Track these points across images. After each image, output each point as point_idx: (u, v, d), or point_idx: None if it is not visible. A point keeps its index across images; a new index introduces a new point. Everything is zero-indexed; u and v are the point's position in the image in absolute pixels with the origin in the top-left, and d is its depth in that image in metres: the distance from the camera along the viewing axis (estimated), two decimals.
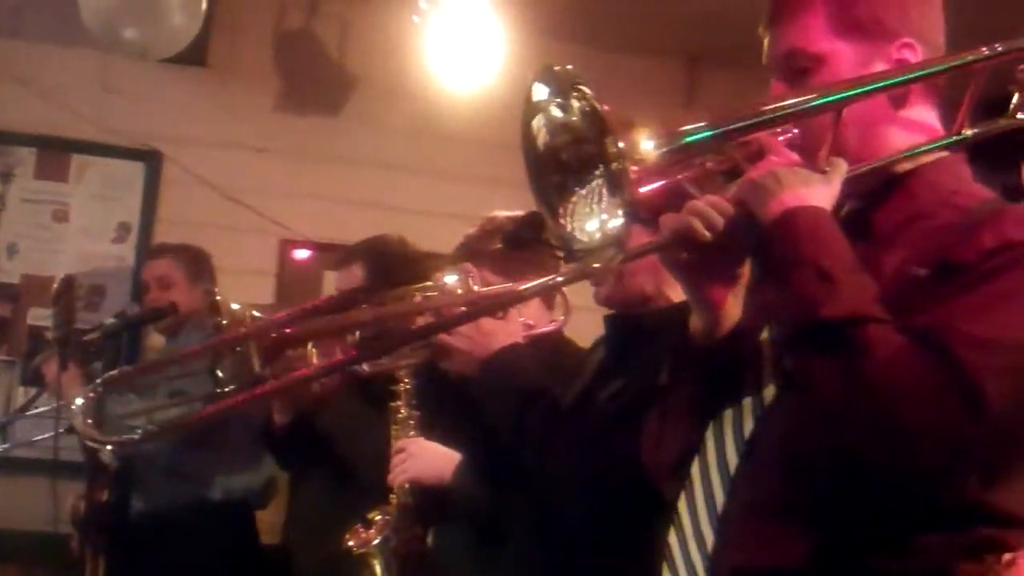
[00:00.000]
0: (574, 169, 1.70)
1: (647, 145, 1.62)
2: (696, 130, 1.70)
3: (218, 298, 3.14)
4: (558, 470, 2.67)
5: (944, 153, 1.88)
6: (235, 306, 3.15)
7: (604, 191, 1.65)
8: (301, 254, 6.35)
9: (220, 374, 3.04)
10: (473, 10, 5.57)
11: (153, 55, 5.30)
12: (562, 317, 3.23)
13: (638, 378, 2.53)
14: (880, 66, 1.84)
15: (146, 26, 4.88)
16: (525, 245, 1.74)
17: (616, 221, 1.62)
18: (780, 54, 1.89)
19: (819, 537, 1.66)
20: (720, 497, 1.78)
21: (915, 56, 1.85)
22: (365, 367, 3.13)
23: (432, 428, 3.37)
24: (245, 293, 5.20)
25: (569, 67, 1.69)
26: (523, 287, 2.50)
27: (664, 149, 1.64)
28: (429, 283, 3.08)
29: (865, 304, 1.58)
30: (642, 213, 1.69)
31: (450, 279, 3.00)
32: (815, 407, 1.61)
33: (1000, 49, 1.89)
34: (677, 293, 2.72)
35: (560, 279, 2.26)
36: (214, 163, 6.14)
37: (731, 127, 1.74)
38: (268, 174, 6.23)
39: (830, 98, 1.78)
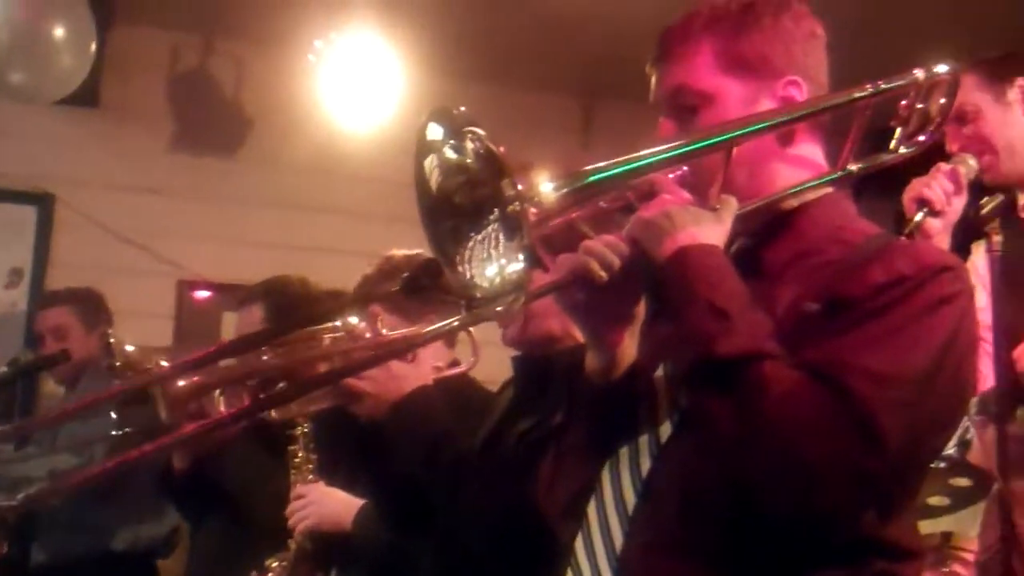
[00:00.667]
0: (469, 213, 1.67)
1: (546, 187, 1.60)
2: (594, 171, 1.68)
3: (112, 340, 3.09)
4: (467, 511, 2.67)
5: (829, 189, 1.91)
6: (130, 348, 3.10)
7: (501, 235, 1.63)
8: (200, 295, 6.28)
9: (121, 422, 2.99)
10: (369, 49, 5.57)
11: (42, 98, 5.22)
12: (472, 359, 3.23)
13: (547, 417, 2.55)
14: (767, 103, 1.86)
15: (34, 69, 4.82)
16: (423, 292, 1.73)
17: (516, 265, 1.60)
18: (667, 91, 1.89)
19: (716, 575, 1.66)
20: (618, 537, 1.76)
21: (800, 93, 1.87)
22: (273, 413, 3.10)
23: (332, 472, 3.34)
24: (143, 335, 5.11)
25: (463, 108, 1.66)
26: (426, 330, 2.49)
27: (563, 191, 1.62)
28: (331, 324, 3.06)
29: (760, 341, 1.59)
30: (541, 255, 1.69)
31: (353, 320, 2.99)
32: (712, 444, 1.60)
33: (883, 86, 1.94)
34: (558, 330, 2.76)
35: (459, 323, 2.25)
36: (108, 205, 6.06)
37: (627, 168, 1.73)
38: (164, 215, 6.16)
39: (723, 137, 1.79)
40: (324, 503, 3.24)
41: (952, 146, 3.07)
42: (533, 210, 1.56)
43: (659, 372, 1.85)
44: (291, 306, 3.88)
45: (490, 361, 3.12)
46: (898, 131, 2.02)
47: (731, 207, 1.76)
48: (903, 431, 1.53)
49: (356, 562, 3.21)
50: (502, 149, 1.58)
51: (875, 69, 1.98)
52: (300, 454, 3.35)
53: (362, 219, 6.40)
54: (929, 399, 1.59)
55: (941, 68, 2.04)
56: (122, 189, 6.10)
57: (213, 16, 6.08)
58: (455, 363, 3.23)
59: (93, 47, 4.99)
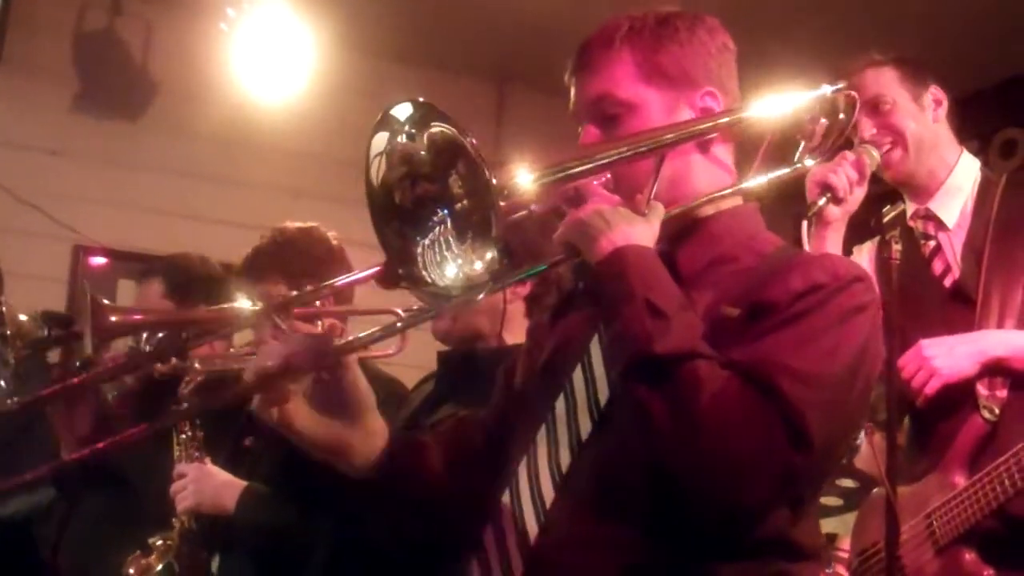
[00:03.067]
0: (409, 213, 1.68)
1: (524, 179, 1.64)
2: (565, 166, 1.74)
3: (3, 308, 3.02)
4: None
5: (740, 200, 1.98)
6: (23, 317, 3.05)
7: (452, 234, 1.65)
8: (96, 261, 6.17)
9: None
10: (282, 20, 5.52)
11: None
12: (398, 343, 3.21)
13: (467, 406, 2.56)
14: (687, 112, 1.93)
15: None
16: (398, 283, 1.71)
17: (481, 260, 1.61)
18: (589, 100, 1.94)
19: (626, 566, 1.69)
20: (533, 530, 1.79)
21: (717, 104, 1.95)
22: (197, 364, 3.07)
23: (218, 449, 3.30)
24: (35, 300, 5.00)
25: (425, 100, 1.66)
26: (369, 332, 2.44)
27: (540, 182, 1.66)
28: (230, 304, 3.03)
29: (695, 341, 1.65)
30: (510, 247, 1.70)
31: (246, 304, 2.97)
32: (647, 438, 1.63)
33: (795, 99, 2.06)
34: (512, 335, 2.77)
35: (403, 323, 2.22)
36: (5, 164, 5.90)
37: (594, 164, 1.79)
38: (63, 177, 6.03)
39: (662, 140, 1.85)
40: (205, 483, 3.19)
41: (863, 134, 3.11)
42: (503, 203, 1.58)
43: (577, 371, 1.88)
44: (191, 285, 3.84)
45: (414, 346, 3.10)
46: (802, 144, 2.10)
47: (659, 212, 1.82)
48: (826, 430, 1.60)
49: (238, 545, 3.18)
50: (474, 141, 1.58)
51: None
52: (186, 431, 3.31)
53: (266, 192, 6.35)
54: (847, 400, 1.67)
55: (843, 85, 2.16)
56: (21, 148, 5.96)
57: None
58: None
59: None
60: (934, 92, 3.22)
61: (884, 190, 3.20)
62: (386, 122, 1.67)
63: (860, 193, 2.90)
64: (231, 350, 3.34)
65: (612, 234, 1.73)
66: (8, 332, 3.00)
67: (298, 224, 3.30)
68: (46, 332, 3.28)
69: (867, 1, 5.67)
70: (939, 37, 5.59)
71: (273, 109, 5.92)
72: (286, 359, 1.74)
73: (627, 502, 1.70)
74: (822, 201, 2.80)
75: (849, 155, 2.91)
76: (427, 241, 1.67)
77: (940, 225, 3.20)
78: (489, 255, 1.60)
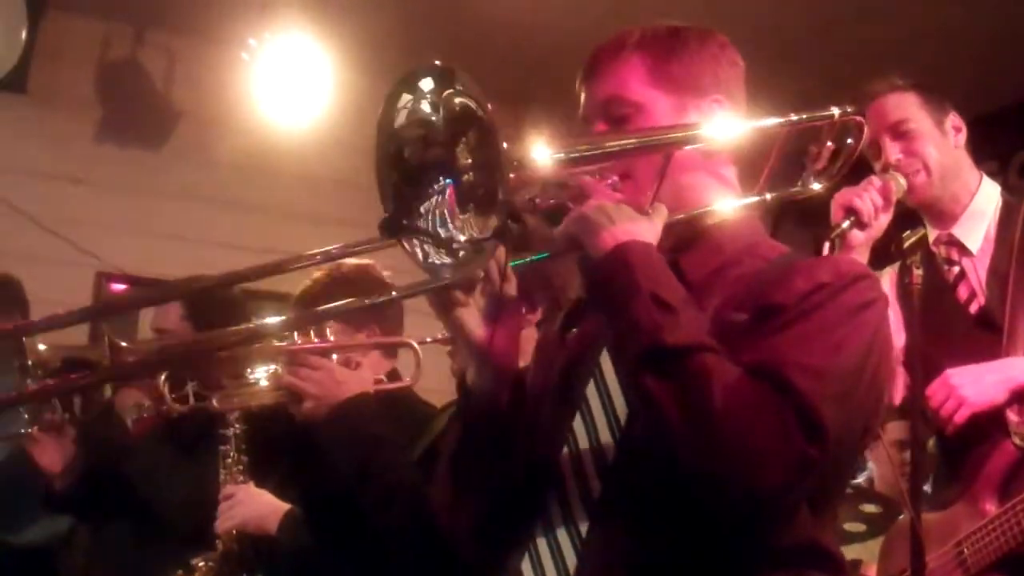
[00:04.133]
0: (412, 174, 1.72)
1: (540, 153, 1.66)
2: (576, 147, 1.77)
3: (24, 339, 3.05)
4: (399, 520, 2.68)
5: (739, 211, 1.98)
6: (42, 347, 3.07)
7: (450, 206, 1.68)
8: (117, 288, 6.21)
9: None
10: (302, 49, 5.57)
11: None
12: (415, 372, 3.23)
13: None
14: (694, 116, 1.94)
15: None
16: (402, 233, 1.73)
17: (478, 231, 1.64)
18: (599, 102, 1.96)
19: None
20: (571, 560, 1.79)
21: (724, 111, 1.96)
22: (216, 403, 3.11)
23: (265, 476, 3.33)
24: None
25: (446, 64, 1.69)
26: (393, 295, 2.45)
27: (557, 158, 1.69)
28: (249, 325, 3.05)
29: (702, 334, 1.66)
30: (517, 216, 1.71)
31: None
32: (659, 431, 1.63)
33: (804, 117, 2.05)
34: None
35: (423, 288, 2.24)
36: (31, 192, 5.96)
37: (607, 149, 1.83)
38: (86, 205, 6.08)
39: (670, 137, 1.87)
40: (250, 504, 3.23)
41: (889, 159, 3.11)
42: (512, 175, 1.59)
43: (591, 387, 1.88)
44: (212, 305, 3.85)
45: (434, 375, 3.13)
46: (808, 167, 2.11)
47: (663, 214, 1.83)
48: (839, 422, 1.60)
49: (280, 567, 3.20)
50: (490, 107, 1.62)
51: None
52: (232, 455, 3.34)
53: (287, 218, 6.38)
54: (857, 394, 1.67)
55: (852, 109, 2.14)
56: (46, 177, 6.02)
57: (146, 7, 6.05)
58: (395, 373, 3.25)
59: (24, 34, 4.91)
60: (953, 119, 3.21)
61: (904, 213, 3.18)
62: (410, 84, 1.71)
63: (885, 220, 2.87)
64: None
65: (615, 229, 1.73)
66: (29, 362, 3.02)
67: (354, 261, 3.33)
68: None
69: (884, 25, 5.68)
70: (956, 58, 5.62)
71: (294, 136, 5.96)
72: None
73: (662, 522, 1.70)
74: (846, 224, 2.78)
75: (876, 180, 2.90)
76: (424, 207, 1.70)
77: (964, 250, 3.19)
78: (492, 222, 1.61)
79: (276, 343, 2.99)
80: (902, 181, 3.00)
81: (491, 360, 1.92)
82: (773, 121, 2.00)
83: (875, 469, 4.73)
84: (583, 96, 2.00)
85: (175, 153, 6.31)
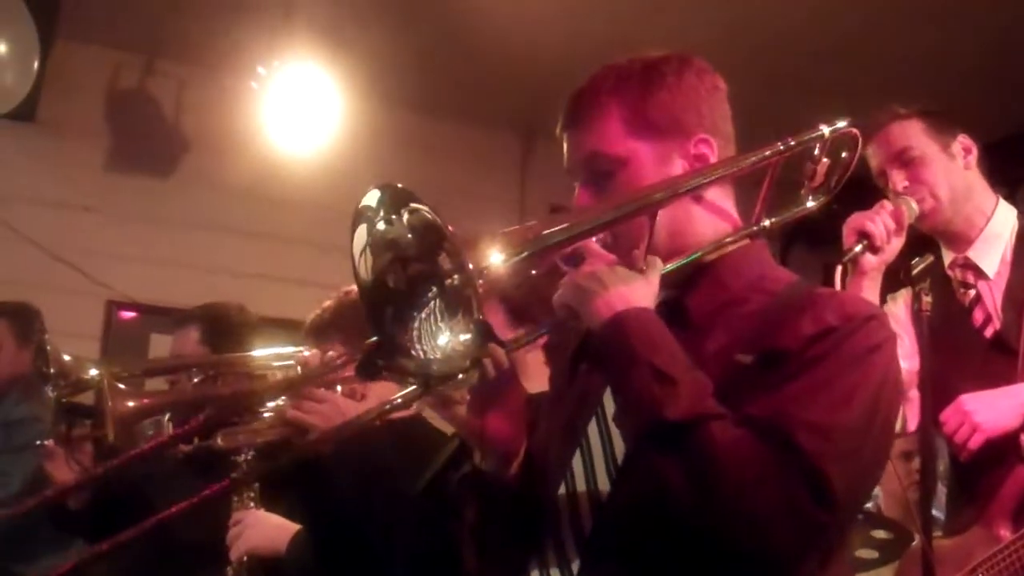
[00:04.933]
0: (405, 294, 1.67)
1: (496, 258, 1.60)
2: (537, 240, 1.69)
3: (48, 346, 3.05)
4: (403, 549, 2.68)
5: (746, 241, 1.94)
6: (66, 357, 3.08)
7: (444, 308, 1.64)
8: (126, 315, 6.22)
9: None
10: (310, 77, 5.59)
11: None
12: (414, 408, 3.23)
13: None
14: (679, 161, 1.88)
15: None
16: (379, 374, 1.72)
17: (466, 335, 1.61)
18: (581, 158, 1.91)
19: None
20: None
21: (711, 149, 1.90)
22: (220, 441, 3.10)
23: (273, 503, 3.33)
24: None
25: (401, 185, 1.64)
26: (387, 405, 2.45)
27: (511, 262, 1.62)
28: (274, 351, 3.06)
29: (704, 402, 1.61)
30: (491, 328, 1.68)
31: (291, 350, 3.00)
32: (666, 504, 1.60)
33: (791, 143, 2.01)
34: (532, 384, 2.78)
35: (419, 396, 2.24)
36: (40, 221, 5.99)
37: (567, 236, 1.74)
38: (97, 234, 6.11)
39: (651, 201, 1.81)
40: (259, 527, 3.23)
41: (896, 187, 3.09)
42: (480, 282, 1.56)
43: (592, 426, 1.87)
44: (228, 332, 3.86)
45: None
46: (805, 185, 2.08)
47: (657, 268, 1.78)
48: (848, 480, 1.56)
49: None
50: (450, 228, 1.56)
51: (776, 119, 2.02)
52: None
53: (296, 245, 6.41)
54: (867, 446, 1.63)
55: (844, 124, 2.09)
56: (55, 206, 6.05)
57: (155, 37, 6.07)
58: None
59: (36, 64, 4.94)
60: (962, 140, 3.19)
61: (919, 238, 3.16)
62: (361, 215, 1.66)
63: (897, 243, 2.85)
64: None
65: (610, 297, 1.68)
66: (52, 370, 3.03)
67: None
68: (64, 427, 3.31)
69: (891, 49, 5.70)
70: (965, 83, 5.62)
71: (303, 164, 5.98)
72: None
73: (652, 563, 1.67)
74: (859, 248, 2.77)
75: (887, 204, 2.89)
76: (422, 316, 1.66)
77: (980, 274, 3.16)
78: (473, 333, 1.58)
79: (280, 375, 3.00)
80: (914, 205, 2.98)
81: (490, 445, 1.88)
82: (764, 153, 1.96)
83: (881, 492, 4.70)
84: (565, 145, 1.94)
85: (184, 181, 6.34)
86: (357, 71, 5.75)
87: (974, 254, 3.17)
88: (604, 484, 1.80)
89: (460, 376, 1.65)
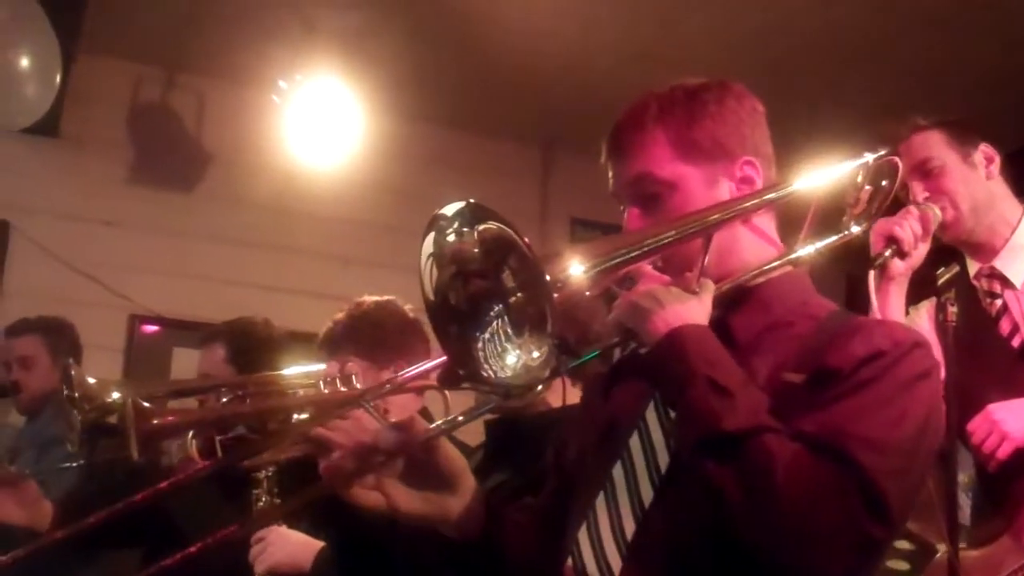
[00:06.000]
0: (467, 313, 1.67)
1: (576, 270, 1.61)
2: (614, 255, 1.71)
3: (73, 371, 3.06)
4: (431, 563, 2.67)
5: (788, 268, 1.98)
6: (91, 380, 3.08)
7: (509, 327, 1.65)
8: (149, 329, 6.24)
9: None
10: (331, 90, 5.61)
11: (4, 127, 5.18)
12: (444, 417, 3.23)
13: (517, 473, 2.56)
14: (726, 184, 1.93)
15: None
16: (459, 384, 1.72)
17: (538, 351, 1.60)
18: (628, 182, 1.94)
19: None
20: None
21: (756, 171, 1.95)
22: (244, 432, 3.10)
23: (296, 519, 3.33)
24: (93, 369, 5.08)
25: (472, 200, 1.63)
26: (458, 418, 2.45)
27: (591, 274, 1.63)
28: (295, 370, 3.06)
29: (761, 415, 1.63)
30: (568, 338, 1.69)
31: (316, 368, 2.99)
32: (719, 516, 1.61)
33: (839, 170, 2.07)
34: (555, 398, 2.77)
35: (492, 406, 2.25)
36: (63, 235, 6.02)
37: (637, 253, 1.77)
38: (119, 247, 6.13)
39: (709, 220, 1.84)
40: (282, 544, 3.22)
41: (916, 198, 3.08)
42: (556, 295, 1.56)
43: (634, 439, 1.88)
44: (253, 348, 3.86)
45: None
46: (848, 211, 2.11)
47: (710, 289, 1.81)
48: (901, 497, 1.58)
49: None
50: (526, 240, 1.56)
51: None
52: (264, 498, 3.34)
53: (317, 259, 6.43)
54: (916, 466, 1.66)
55: (886, 151, 2.16)
56: (78, 220, 6.07)
57: (177, 50, 6.10)
58: (425, 413, 3.25)
59: (58, 78, 4.96)
60: (984, 150, 3.18)
61: (943, 249, 3.15)
62: (434, 223, 1.66)
63: (923, 249, 2.86)
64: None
65: (666, 314, 1.72)
66: (76, 395, 3.03)
67: (375, 298, 3.34)
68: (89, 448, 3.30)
69: (911, 58, 5.68)
70: (989, 92, 5.60)
71: (324, 177, 6.01)
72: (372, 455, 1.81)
73: (697, 569, 1.69)
74: (887, 253, 2.77)
75: (914, 210, 2.89)
76: (486, 335, 1.66)
77: (1006, 283, 3.15)
78: (545, 347, 1.58)
79: (302, 392, 2.99)
80: (938, 212, 2.98)
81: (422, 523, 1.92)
82: (811, 180, 2.01)
83: None
84: (610, 173, 1.98)
85: (206, 195, 6.36)
86: (378, 85, 5.77)
87: (1000, 264, 3.16)
88: (646, 490, 1.81)
89: (539, 387, 1.66)
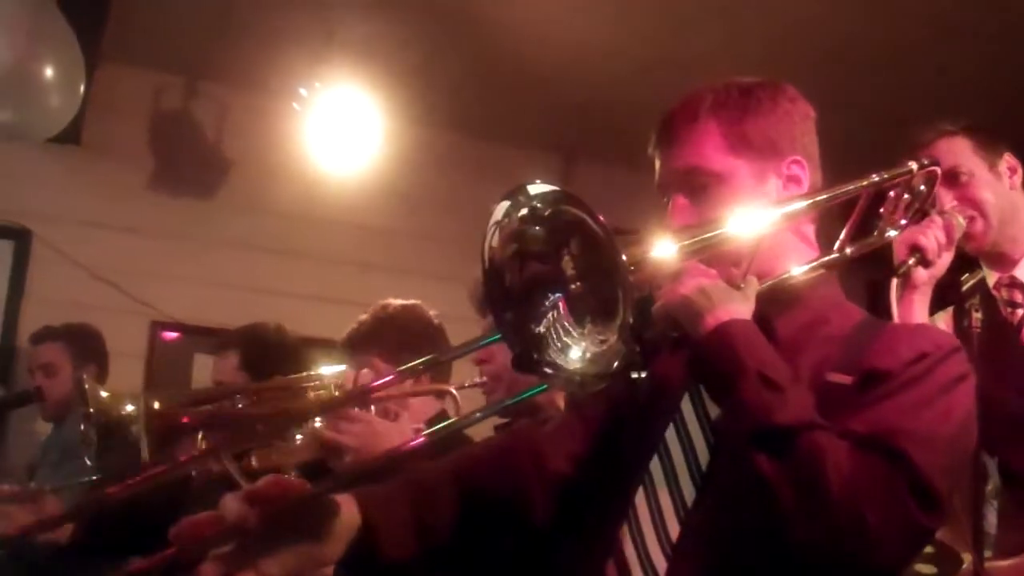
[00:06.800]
0: (520, 299, 1.68)
1: (664, 250, 1.65)
2: (699, 238, 1.76)
3: (86, 385, 3.08)
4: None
5: (823, 269, 2.00)
6: (104, 393, 3.09)
7: (569, 319, 1.66)
8: (169, 336, 6.26)
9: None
10: (352, 99, 5.63)
11: (30, 136, 5.21)
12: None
13: None
14: (774, 181, 1.96)
15: (22, 108, 4.78)
16: (535, 369, 1.71)
17: (604, 344, 1.61)
18: (678, 171, 1.96)
19: None
20: None
21: (803, 171, 1.98)
22: (254, 462, 3.10)
23: None
24: (114, 375, 5.13)
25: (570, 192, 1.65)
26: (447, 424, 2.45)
27: (682, 253, 1.69)
28: (309, 374, 3.07)
29: (811, 411, 1.66)
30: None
31: (333, 370, 3.00)
32: (769, 511, 1.62)
33: (885, 176, 2.12)
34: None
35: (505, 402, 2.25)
36: (85, 242, 6.05)
37: (709, 237, 1.79)
38: (141, 255, 6.15)
39: (770, 219, 1.87)
40: None
41: (943, 206, 3.03)
42: (631, 279, 1.56)
43: (670, 429, 1.89)
44: (267, 354, 3.88)
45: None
46: (886, 216, 2.13)
47: (754, 286, 1.85)
48: (947, 490, 1.61)
49: None
50: (601, 218, 1.57)
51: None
52: None
53: (337, 266, 6.45)
54: (956, 463, 1.70)
55: (930, 161, 2.23)
56: (100, 227, 6.09)
57: (198, 59, 6.12)
58: (443, 415, 3.26)
59: (82, 87, 4.98)
60: (1008, 159, 3.17)
61: (957, 257, 3.14)
62: (514, 193, 1.67)
63: (947, 258, 2.85)
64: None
65: (716, 309, 1.74)
66: (91, 410, 3.04)
67: (400, 301, 3.35)
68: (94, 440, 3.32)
69: (931, 68, 5.67)
70: (1014, 99, 5.58)
71: (344, 185, 6.02)
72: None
73: (745, 570, 1.70)
74: (911, 261, 2.77)
75: (938, 219, 2.89)
76: (541, 328, 1.66)
77: None
78: (615, 335, 1.59)
79: (314, 395, 3.00)
80: (961, 220, 2.97)
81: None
82: (859, 184, 2.05)
83: None
84: (658, 163, 2.00)
85: (227, 202, 6.39)
86: (398, 93, 5.78)
87: (1021, 273, 3.15)
88: (687, 488, 1.82)
89: (609, 376, 1.65)
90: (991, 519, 3.26)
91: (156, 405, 2.79)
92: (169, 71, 6.32)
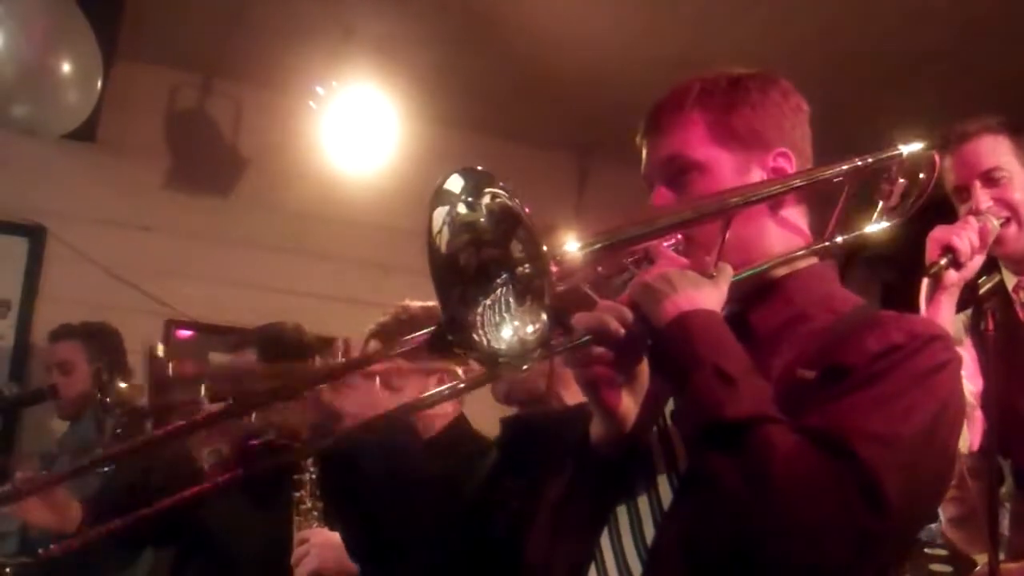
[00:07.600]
0: (474, 277, 1.68)
1: (571, 246, 1.62)
2: (615, 232, 1.72)
3: (104, 377, 3.08)
4: (452, 562, 2.66)
5: (815, 260, 1.96)
6: (122, 385, 3.10)
7: (512, 297, 1.65)
8: (182, 334, 6.25)
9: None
10: (368, 97, 5.62)
11: (47, 132, 5.21)
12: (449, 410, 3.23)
13: (529, 477, 2.53)
14: (758, 172, 1.92)
15: (40, 103, 4.78)
16: (448, 349, 1.71)
17: (533, 325, 1.61)
18: (661, 159, 1.94)
19: None
20: None
21: (790, 164, 1.94)
22: (253, 418, 3.09)
23: (337, 521, 3.33)
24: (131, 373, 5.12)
25: (482, 168, 1.66)
26: (429, 394, 2.47)
27: (586, 250, 1.64)
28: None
29: (764, 405, 1.61)
30: (561, 315, 1.68)
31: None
32: (719, 504, 1.60)
33: (869, 160, 2.02)
34: (570, 394, 2.75)
35: (465, 384, 2.25)
36: (99, 240, 6.05)
37: (644, 231, 1.78)
38: (154, 253, 6.15)
39: (729, 204, 1.83)
40: (326, 546, 3.23)
41: (980, 205, 3.01)
42: (555, 269, 1.57)
43: (653, 434, 1.85)
44: (285, 353, 3.88)
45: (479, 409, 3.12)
46: (880, 205, 2.07)
47: (727, 274, 1.79)
48: (904, 492, 1.54)
49: None
50: (527, 210, 1.58)
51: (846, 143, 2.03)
52: (307, 501, 3.34)
53: (353, 265, 6.44)
54: (926, 462, 1.61)
55: (922, 145, 2.10)
56: (115, 225, 6.09)
57: (214, 57, 6.12)
58: (462, 419, 3.26)
59: (99, 84, 4.98)
60: None
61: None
62: (441, 196, 1.67)
63: (979, 261, 2.82)
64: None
65: (678, 298, 1.70)
66: (108, 399, 3.05)
67: (420, 303, 3.34)
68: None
69: (982, 53, 5.60)
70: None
71: (361, 184, 6.01)
72: None
73: (715, 570, 1.65)
74: (943, 262, 2.74)
75: (973, 221, 2.85)
76: (488, 301, 1.67)
77: None
78: (540, 321, 1.59)
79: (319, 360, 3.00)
80: (996, 223, 2.94)
81: (616, 422, 1.85)
82: (840, 168, 1.98)
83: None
84: (644, 152, 1.97)
85: (243, 201, 6.38)
86: (414, 91, 5.77)
87: None
88: (666, 493, 1.79)
89: (529, 361, 1.64)
90: (1004, 521, 3.24)
91: (160, 351, 2.78)
92: (185, 68, 6.32)
